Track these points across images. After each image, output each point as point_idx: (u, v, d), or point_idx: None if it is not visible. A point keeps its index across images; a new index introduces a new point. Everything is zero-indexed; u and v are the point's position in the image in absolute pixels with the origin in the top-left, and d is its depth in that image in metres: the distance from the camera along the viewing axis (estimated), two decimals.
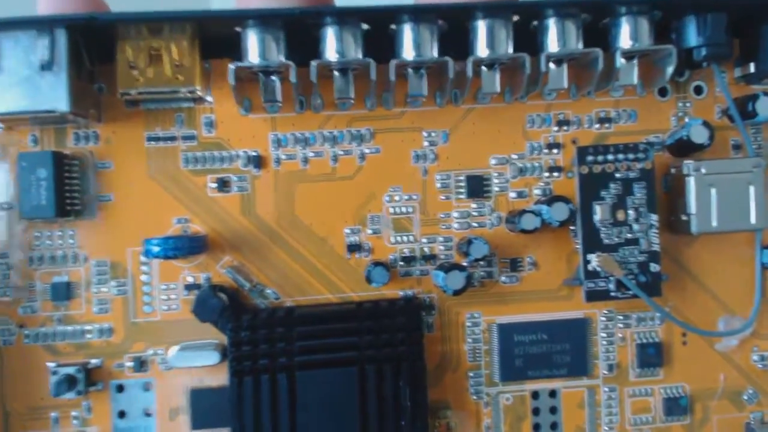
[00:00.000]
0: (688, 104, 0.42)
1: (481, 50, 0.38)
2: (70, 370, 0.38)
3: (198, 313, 0.38)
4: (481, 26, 0.38)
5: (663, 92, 0.42)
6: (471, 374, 0.42)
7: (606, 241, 0.39)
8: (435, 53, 0.38)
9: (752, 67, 0.41)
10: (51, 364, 0.39)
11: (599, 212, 0.39)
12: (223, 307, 0.38)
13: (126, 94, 0.38)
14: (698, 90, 0.42)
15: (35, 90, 0.36)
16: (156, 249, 0.37)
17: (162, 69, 0.38)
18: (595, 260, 0.39)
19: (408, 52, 0.37)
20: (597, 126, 0.42)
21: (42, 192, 0.38)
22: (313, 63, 0.37)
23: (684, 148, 0.40)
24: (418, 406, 0.39)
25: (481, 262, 0.41)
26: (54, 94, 0.36)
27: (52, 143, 0.40)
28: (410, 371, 0.39)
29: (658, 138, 0.42)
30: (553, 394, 0.42)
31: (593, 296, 0.40)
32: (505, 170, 0.42)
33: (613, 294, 0.40)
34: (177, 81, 0.38)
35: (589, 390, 0.42)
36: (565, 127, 0.42)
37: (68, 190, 0.39)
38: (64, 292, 0.39)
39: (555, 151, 0.42)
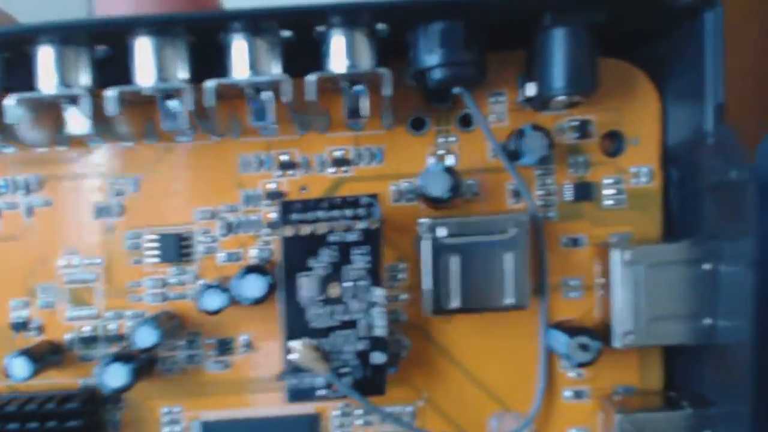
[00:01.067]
0: (452, 139, 0.33)
1: (144, 77, 0.29)
2: None
3: None
4: (142, 46, 0.29)
5: (419, 125, 0.33)
6: None
7: (314, 325, 0.30)
8: (87, 81, 0.29)
9: (532, 89, 0.31)
10: None
11: (304, 287, 0.30)
12: None
13: None
14: (466, 121, 0.33)
15: None
16: None
17: None
18: (296, 351, 0.30)
19: (47, 82, 0.29)
20: (332, 170, 0.33)
21: None
22: None
23: (428, 200, 0.31)
24: None
25: (181, 343, 0.33)
26: None
27: None
28: None
29: (409, 184, 0.33)
30: None
31: (297, 395, 0.31)
32: (213, 226, 0.33)
33: (320, 394, 0.31)
34: None
35: None
36: (290, 171, 0.33)
37: None
38: None
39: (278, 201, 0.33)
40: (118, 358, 0.30)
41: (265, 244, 0.33)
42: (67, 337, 0.33)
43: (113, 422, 0.33)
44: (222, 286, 0.30)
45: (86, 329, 0.33)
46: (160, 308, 0.33)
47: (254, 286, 0.30)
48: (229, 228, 0.33)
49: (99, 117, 0.30)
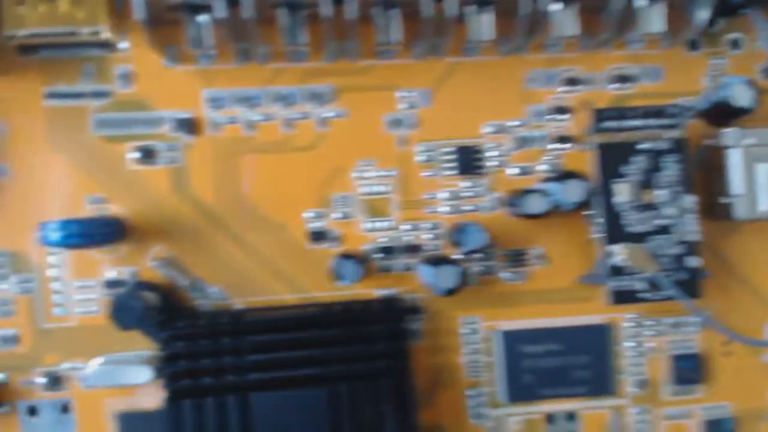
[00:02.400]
0: (722, 61, 0.35)
1: None
2: None
3: (117, 318, 0.29)
4: None
5: (693, 46, 0.35)
6: (470, 393, 0.34)
7: (631, 229, 0.32)
8: None
9: None
10: None
11: (622, 192, 0.32)
12: (149, 311, 0.29)
13: (13, 38, 0.29)
14: (735, 43, 0.35)
15: None
16: (55, 235, 0.28)
17: (56, 4, 0.29)
18: (622, 253, 0.31)
19: None
20: (614, 86, 0.34)
21: None
22: None
23: (721, 113, 0.33)
24: None
25: (478, 255, 0.33)
26: None
27: None
28: (394, 390, 0.31)
29: (689, 101, 0.34)
30: (571, 416, 0.34)
31: (621, 298, 0.32)
32: (501, 140, 0.34)
33: (642, 296, 0.32)
34: (75, 19, 0.30)
35: (614, 412, 0.34)
36: (574, 87, 0.34)
37: None
38: None
39: (563, 116, 0.34)
40: (445, 260, 0.31)
41: (553, 158, 0.34)
42: (364, 248, 0.33)
43: (414, 332, 0.33)
44: (543, 191, 0.31)
45: (383, 240, 0.33)
46: (455, 220, 0.33)
47: (575, 191, 0.31)
48: (518, 142, 0.34)
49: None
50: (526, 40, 0.32)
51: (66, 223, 0.28)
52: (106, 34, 0.30)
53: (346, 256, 0.31)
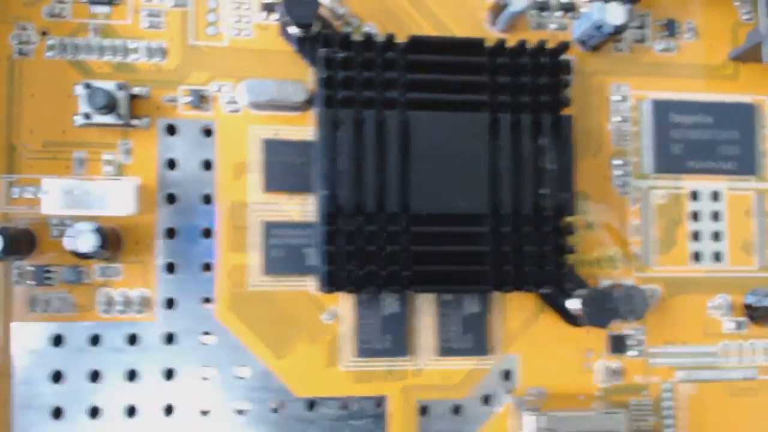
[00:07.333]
0: None
1: None
2: (109, 85, 0.30)
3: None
4: None
5: None
6: (616, 162, 0.34)
7: None
8: None
9: None
10: (81, 85, 0.30)
11: None
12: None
13: None
14: None
15: None
16: None
17: None
18: None
19: None
20: None
21: None
22: None
23: None
24: (564, 171, 0.31)
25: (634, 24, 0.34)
26: None
27: None
28: (555, 127, 0.31)
29: None
30: (716, 196, 0.34)
31: None
32: None
33: None
34: None
35: (758, 195, 0.35)
36: None
37: None
38: None
39: None
40: None
41: None
42: None
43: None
44: None
45: None
46: None
47: None
48: None
49: None
50: None
51: None
52: None
53: None
